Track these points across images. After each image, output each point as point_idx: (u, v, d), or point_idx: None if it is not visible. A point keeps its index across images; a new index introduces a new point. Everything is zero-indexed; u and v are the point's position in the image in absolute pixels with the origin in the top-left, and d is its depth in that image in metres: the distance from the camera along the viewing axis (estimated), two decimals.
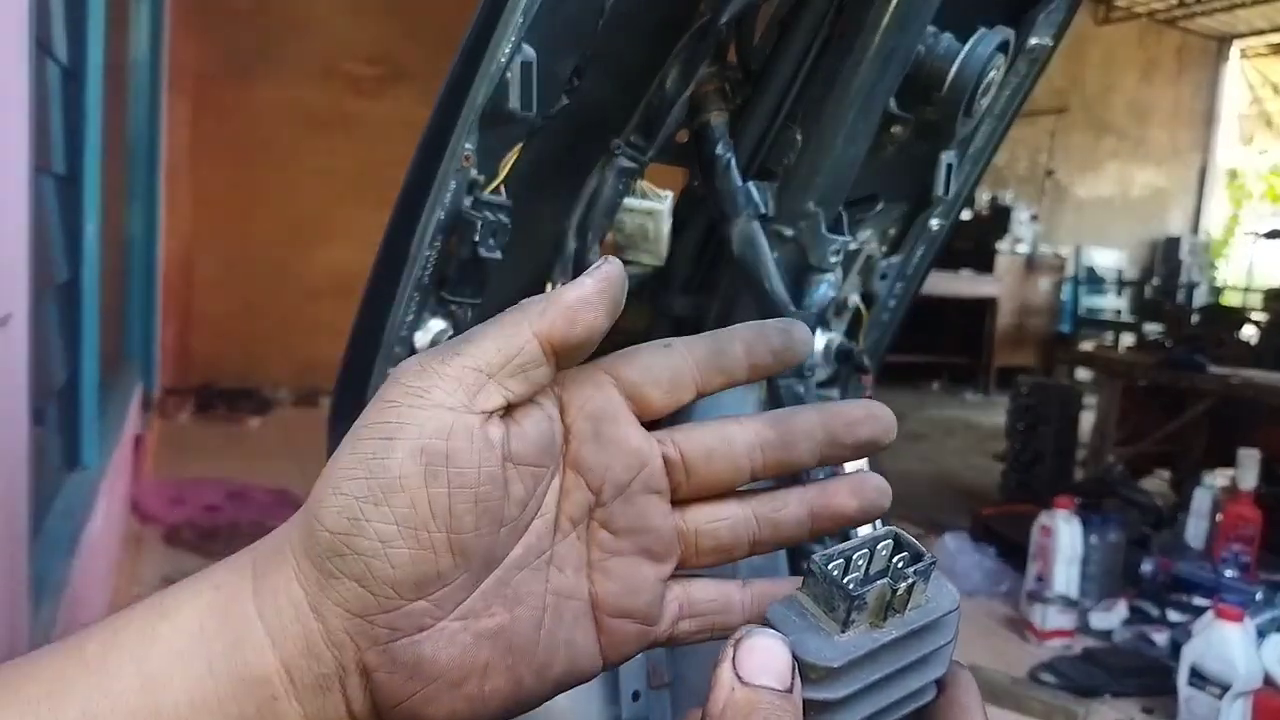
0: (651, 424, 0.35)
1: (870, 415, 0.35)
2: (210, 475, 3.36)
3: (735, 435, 0.35)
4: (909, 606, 0.30)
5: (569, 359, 0.32)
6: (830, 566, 0.29)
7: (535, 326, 0.31)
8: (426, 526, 0.29)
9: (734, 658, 0.28)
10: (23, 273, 1.21)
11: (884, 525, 0.32)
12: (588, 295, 0.31)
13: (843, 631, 0.29)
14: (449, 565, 0.30)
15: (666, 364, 0.34)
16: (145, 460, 3.22)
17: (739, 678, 0.27)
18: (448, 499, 0.29)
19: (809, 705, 0.28)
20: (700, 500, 0.35)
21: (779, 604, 0.30)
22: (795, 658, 0.28)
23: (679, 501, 0.35)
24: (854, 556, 0.30)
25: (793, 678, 0.27)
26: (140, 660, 0.29)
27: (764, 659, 0.27)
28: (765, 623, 0.29)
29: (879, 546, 0.31)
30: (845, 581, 0.29)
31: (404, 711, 0.30)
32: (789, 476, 0.36)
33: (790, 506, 0.35)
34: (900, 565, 0.30)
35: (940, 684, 0.32)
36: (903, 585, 0.29)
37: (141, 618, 0.30)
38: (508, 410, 0.31)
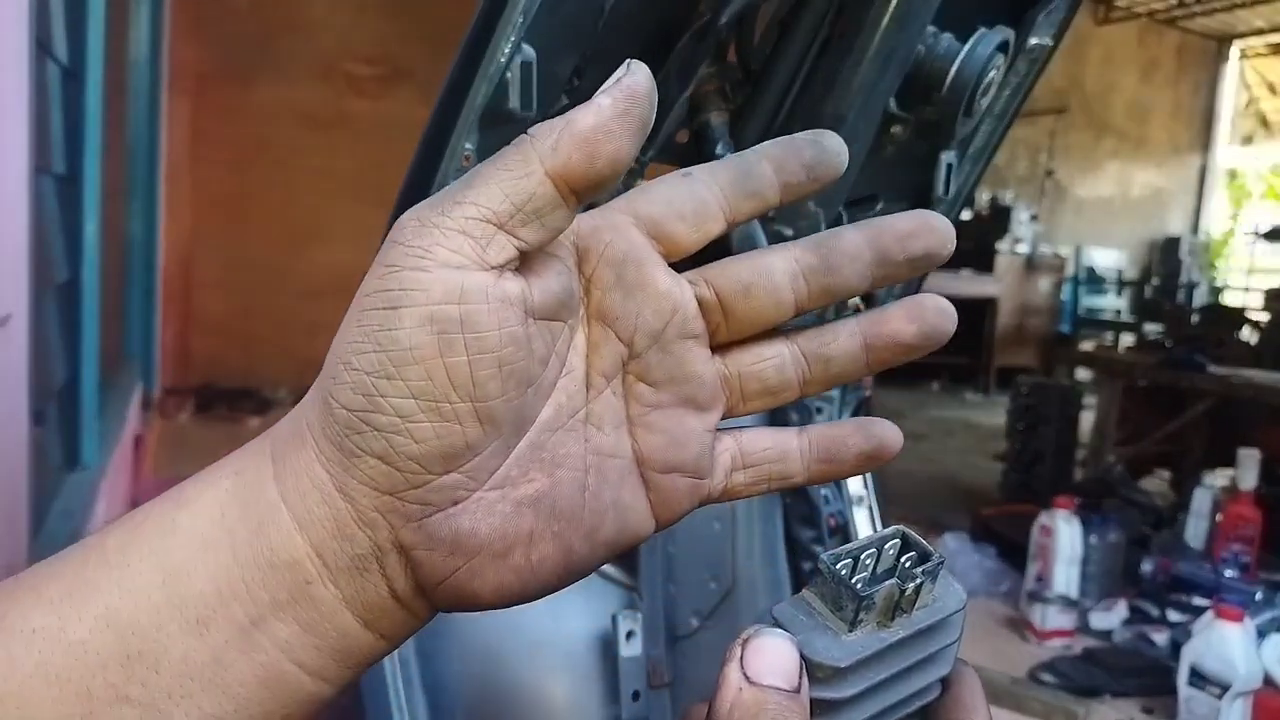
0: (680, 264, 0.32)
1: (924, 224, 0.31)
2: None
3: (774, 265, 0.31)
4: (917, 606, 0.30)
5: (590, 196, 0.28)
6: (838, 566, 0.29)
7: (548, 164, 0.27)
8: (447, 397, 0.27)
9: (741, 657, 0.27)
10: (23, 273, 1.21)
11: (892, 525, 0.32)
12: (606, 121, 0.27)
13: (850, 631, 0.29)
14: (477, 435, 0.28)
15: (689, 194, 0.31)
16: (145, 460, 3.22)
17: (746, 677, 0.27)
18: (468, 367, 0.27)
19: (816, 705, 0.28)
20: (742, 342, 0.33)
21: (786, 603, 0.30)
22: (803, 657, 0.28)
23: (719, 345, 0.32)
24: (862, 556, 0.30)
25: (800, 677, 0.27)
26: (160, 553, 0.28)
27: (771, 658, 0.27)
28: (773, 622, 0.29)
29: (886, 546, 0.30)
30: (853, 581, 0.29)
31: (449, 588, 0.29)
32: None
33: (841, 339, 0.32)
34: (908, 565, 0.30)
35: (945, 682, 0.32)
36: (911, 585, 0.29)
37: (159, 510, 0.29)
38: (521, 261, 0.28)
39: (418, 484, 0.28)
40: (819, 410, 0.76)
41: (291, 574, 0.28)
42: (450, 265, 0.27)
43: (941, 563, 0.30)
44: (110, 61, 2.17)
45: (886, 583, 0.29)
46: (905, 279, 0.32)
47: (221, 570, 0.28)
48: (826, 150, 0.31)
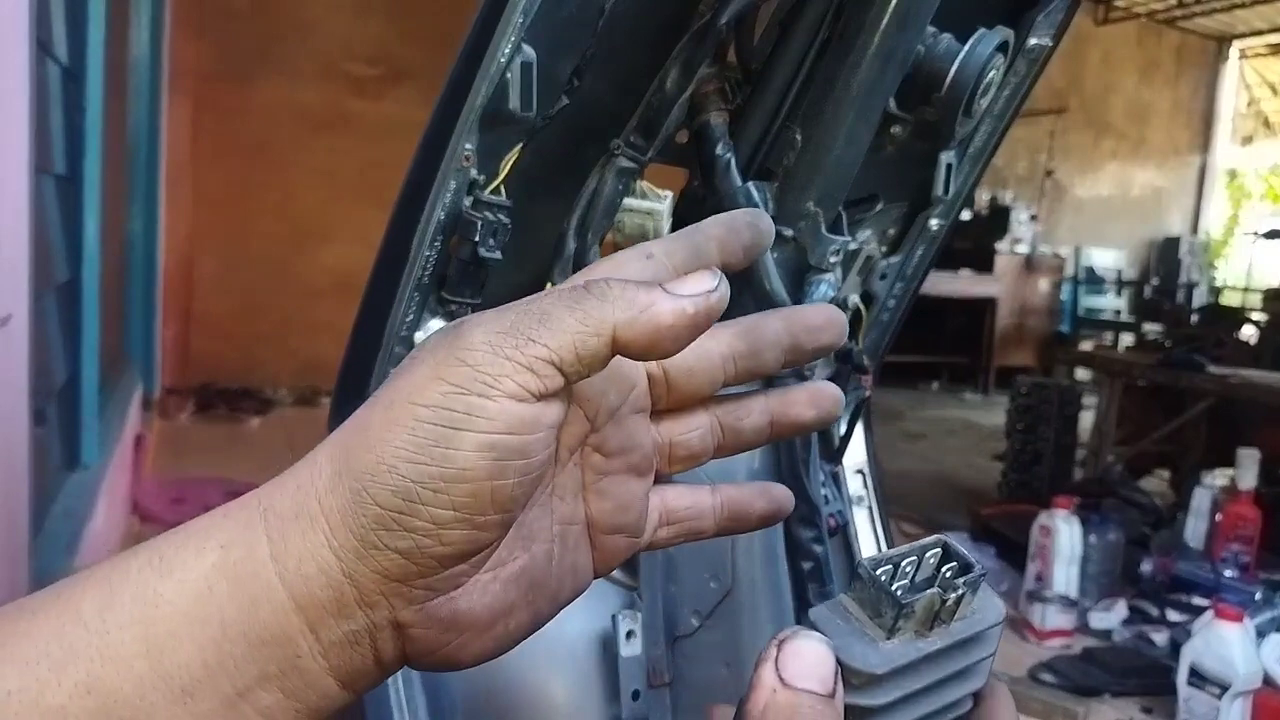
0: None
1: (829, 322, 0.37)
2: (210, 475, 3.36)
3: (713, 350, 0.36)
4: (955, 617, 0.30)
5: (630, 359, 0.31)
6: (879, 572, 0.29)
7: (620, 332, 0.29)
8: (485, 511, 0.29)
9: (777, 659, 0.27)
10: (23, 273, 1.21)
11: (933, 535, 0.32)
12: (685, 322, 0.30)
13: (888, 638, 0.28)
14: (496, 537, 0.30)
15: (652, 278, 0.33)
16: (146, 460, 3.22)
17: (781, 679, 0.27)
18: (511, 489, 0.29)
19: (850, 711, 0.28)
20: (673, 411, 0.37)
21: (824, 606, 0.30)
22: (839, 662, 0.27)
23: (654, 413, 0.36)
24: (902, 563, 0.30)
25: (835, 683, 0.27)
26: (144, 623, 0.28)
27: (808, 662, 0.27)
28: (809, 624, 0.29)
29: (927, 555, 0.30)
30: (894, 589, 0.29)
31: (435, 658, 0.31)
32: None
33: (754, 415, 0.37)
34: (950, 575, 0.30)
35: (977, 696, 0.31)
36: (952, 596, 0.29)
37: (139, 576, 0.29)
38: None
39: (428, 574, 0.29)
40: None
41: (282, 649, 0.29)
42: (516, 398, 0.29)
43: (984, 575, 0.30)
44: (111, 62, 2.17)
45: (928, 591, 0.29)
46: (806, 363, 0.39)
47: (210, 645, 0.28)
48: (763, 234, 0.36)
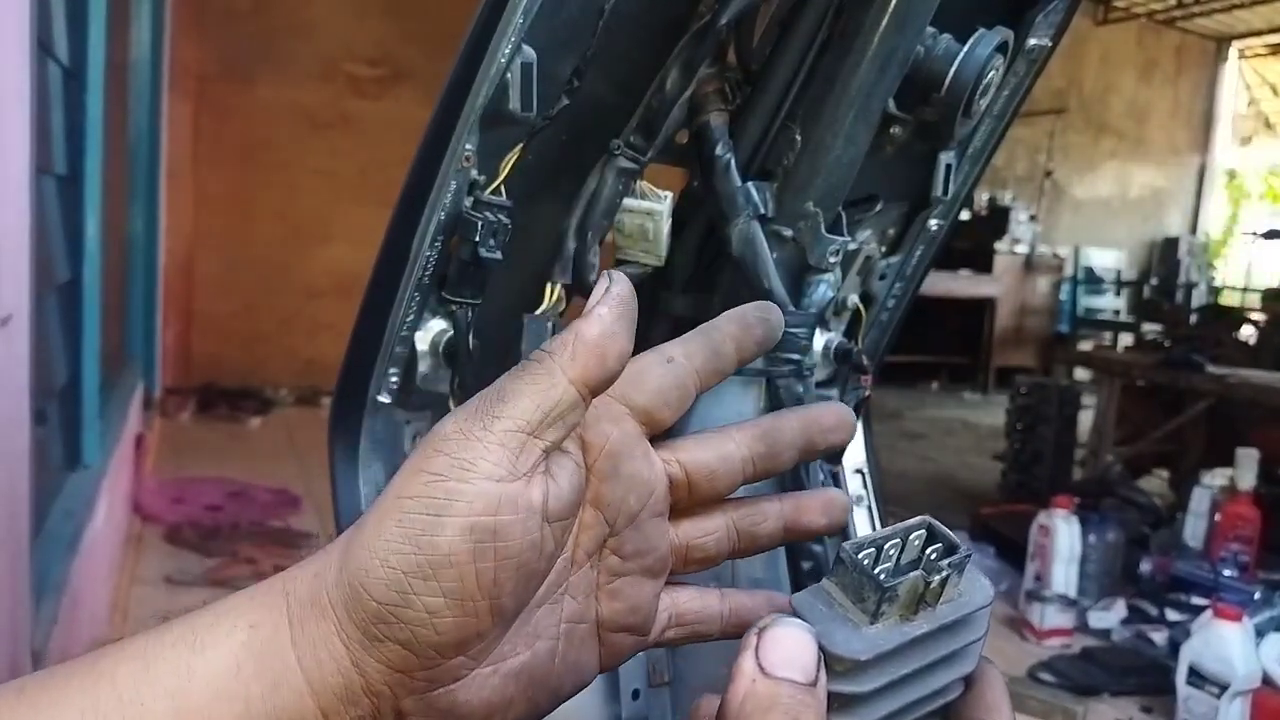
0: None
1: (841, 423, 0.39)
2: (211, 475, 3.36)
3: (732, 453, 0.37)
4: (941, 600, 0.29)
5: (602, 390, 0.33)
6: (861, 556, 0.28)
7: (570, 373, 0.31)
8: (472, 597, 0.30)
9: (757, 647, 0.27)
10: (24, 273, 1.21)
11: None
12: (610, 327, 0.32)
13: (872, 623, 0.28)
14: (488, 626, 0.31)
15: (675, 383, 0.35)
16: (146, 460, 3.22)
17: (761, 668, 0.27)
18: (493, 571, 0.30)
19: (833, 698, 0.27)
20: (692, 513, 0.37)
21: (806, 592, 0.29)
22: (821, 649, 0.27)
23: (673, 514, 0.37)
24: (885, 546, 0.29)
25: (817, 670, 0.27)
26: (175, 695, 0.29)
27: (788, 650, 0.27)
28: (791, 611, 0.28)
29: (911, 536, 0.30)
30: (876, 572, 0.28)
31: None
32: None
33: (769, 521, 0.38)
34: (934, 557, 0.29)
35: (967, 680, 0.31)
36: (936, 578, 0.28)
37: (173, 651, 0.30)
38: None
39: (429, 666, 0.30)
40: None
41: None
42: (491, 478, 0.30)
43: (969, 556, 0.29)
44: (111, 62, 2.17)
45: (911, 574, 0.28)
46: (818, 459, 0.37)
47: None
48: (773, 327, 0.38)
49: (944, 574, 0.28)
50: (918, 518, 0.30)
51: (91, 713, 0.29)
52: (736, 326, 0.37)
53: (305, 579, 0.32)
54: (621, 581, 0.35)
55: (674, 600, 0.38)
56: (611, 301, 0.32)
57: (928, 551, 0.30)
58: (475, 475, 0.30)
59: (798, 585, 0.75)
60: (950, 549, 0.29)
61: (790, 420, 0.38)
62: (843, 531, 0.74)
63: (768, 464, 0.37)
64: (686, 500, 0.37)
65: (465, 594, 0.29)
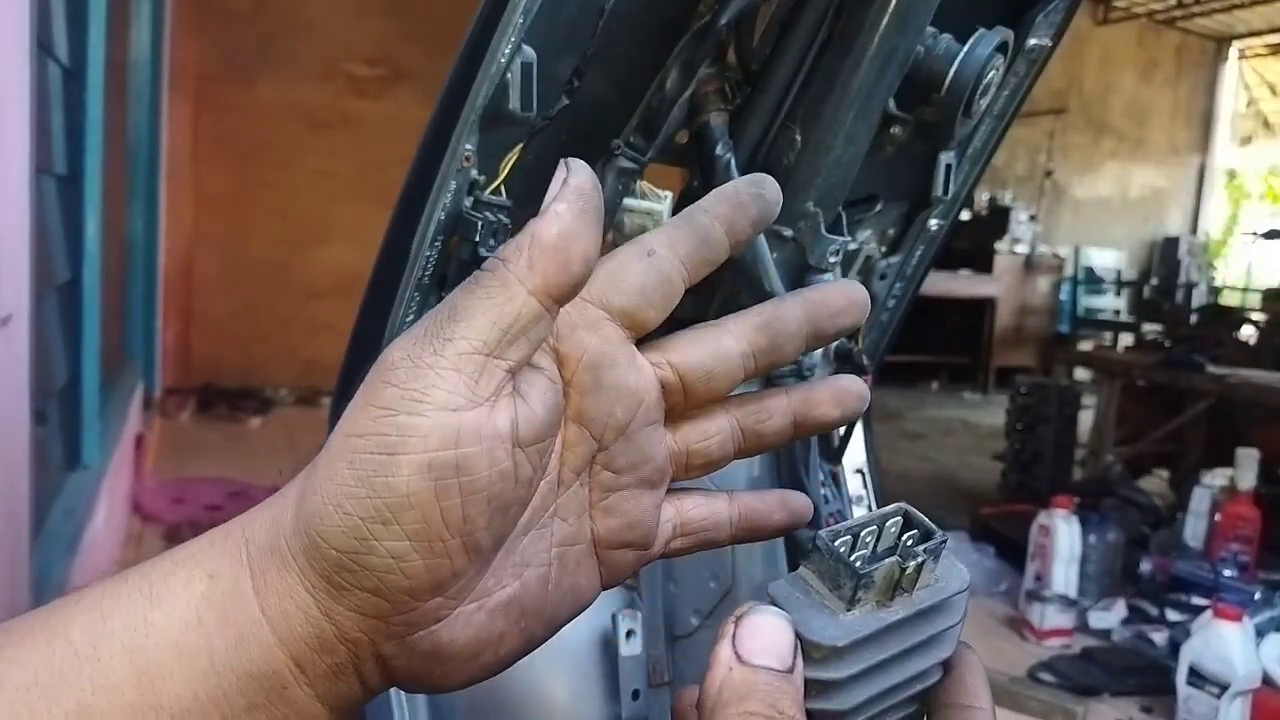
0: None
1: (851, 302, 0.35)
2: (211, 475, 3.36)
3: (730, 349, 0.34)
4: (918, 586, 0.29)
5: (569, 299, 0.29)
6: (837, 543, 0.28)
7: (529, 283, 0.28)
8: (440, 536, 0.28)
9: (734, 635, 0.27)
10: (24, 273, 1.21)
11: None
12: (571, 226, 0.28)
13: (848, 610, 0.28)
14: (464, 564, 0.29)
15: (658, 279, 0.32)
16: (146, 460, 3.22)
17: (738, 656, 0.26)
18: (461, 508, 0.28)
19: (810, 685, 0.27)
20: (691, 416, 0.35)
21: (783, 580, 0.29)
22: (798, 636, 0.27)
23: (670, 419, 0.34)
24: (862, 533, 0.29)
25: (794, 658, 0.27)
26: (134, 651, 0.28)
27: (765, 638, 0.26)
28: (769, 599, 0.28)
29: (888, 523, 0.30)
30: (852, 559, 0.28)
31: (421, 686, 0.30)
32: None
33: (775, 418, 0.35)
34: (910, 543, 0.29)
35: (946, 665, 0.31)
36: (912, 564, 0.28)
37: (129, 602, 0.29)
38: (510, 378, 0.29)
39: (404, 610, 0.28)
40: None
41: (270, 681, 0.29)
42: (447, 408, 0.27)
43: (944, 541, 0.29)
44: (111, 62, 2.17)
45: (886, 560, 0.28)
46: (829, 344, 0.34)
47: (199, 676, 0.28)
48: (769, 203, 0.33)
49: (920, 560, 0.28)
50: (894, 505, 0.30)
51: (47, 670, 0.27)
52: (727, 206, 0.33)
53: (264, 524, 0.29)
54: (616, 496, 0.33)
55: (678, 508, 0.35)
56: (570, 195, 0.28)
57: (904, 538, 0.30)
58: (429, 406, 0.27)
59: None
60: (927, 535, 0.29)
61: (793, 306, 0.35)
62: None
63: (770, 357, 0.34)
64: (682, 405, 0.34)
65: (432, 535, 0.27)
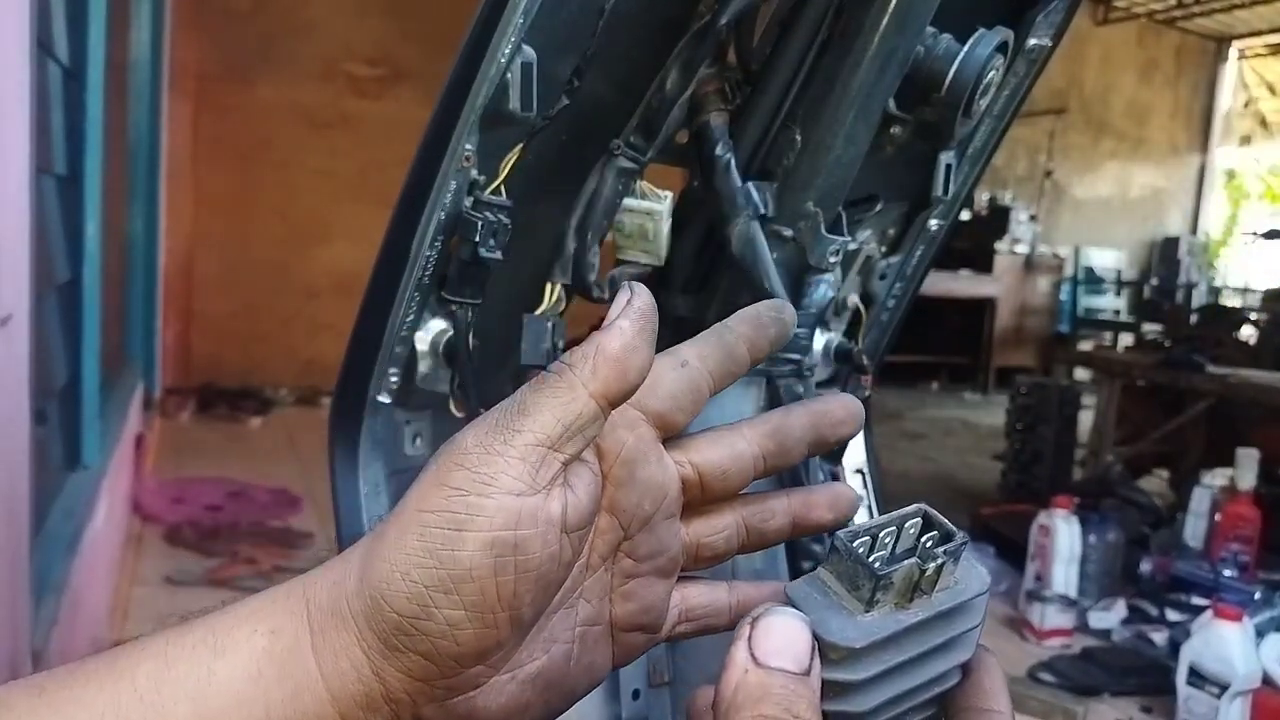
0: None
1: (850, 415, 0.39)
2: (211, 475, 3.36)
3: (744, 451, 0.37)
4: (937, 588, 0.29)
5: (620, 404, 0.33)
6: (856, 544, 0.28)
7: (591, 387, 0.31)
8: (493, 609, 0.30)
9: (750, 636, 0.27)
10: (24, 273, 1.21)
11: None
12: (632, 341, 0.32)
13: (867, 611, 0.28)
14: (508, 636, 0.31)
15: (689, 387, 0.35)
16: (146, 460, 3.22)
17: (754, 658, 0.26)
18: (514, 584, 0.30)
19: (828, 686, 0.27)
20: (703, 512, 0.37)
21: (801, 581, 0.29)
22: (815, 637, 0.27)
23: (685, 513, 0.37)
24: (880, 534, 0.29)
25: (811, 659, 0.27)
26: (197, 699, 0.30)
27: (782, 639, 0.27)
28: (786, 600, 0.28)
29: (907, 524, 0.29)
30: (871, 560, 0.28)
31: None
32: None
33: (777, 518, 0.38)
34: (929, 545, 0.29)
35: (965, 668, 0.30)
36: (931, 566, 0.28)
37: (193, 653, 0.31)
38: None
39: (449, 675, 0.31)
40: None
41: None
42: (512, 492, 0.30)
43: (965, 543, 0.29)
44: (111, 62, 2.17)
45: (906, 562, 0.28)
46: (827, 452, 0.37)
47: None
48: (786, 325, 0.38)
49: (939, 562, 0.28)
50: (914, 505, 0.30)
51: (113, 713, 0.29)
52: (749, 327, 0.37)
53: (325, 586, 0.32)
54: (635, 583, 0.36)
55: (684, 596, 0.38)
56: (633, 314, 0.32)
57: (923, 539, 0.29)
58: (496, 490, 0.30)
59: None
60: (946, 536, 0.29)
61: (799, 416, 0.38)
62: None
63: (778, 460, 0.37)
64: (699, 500, 0.37)
65: (486, 607, 0.30)
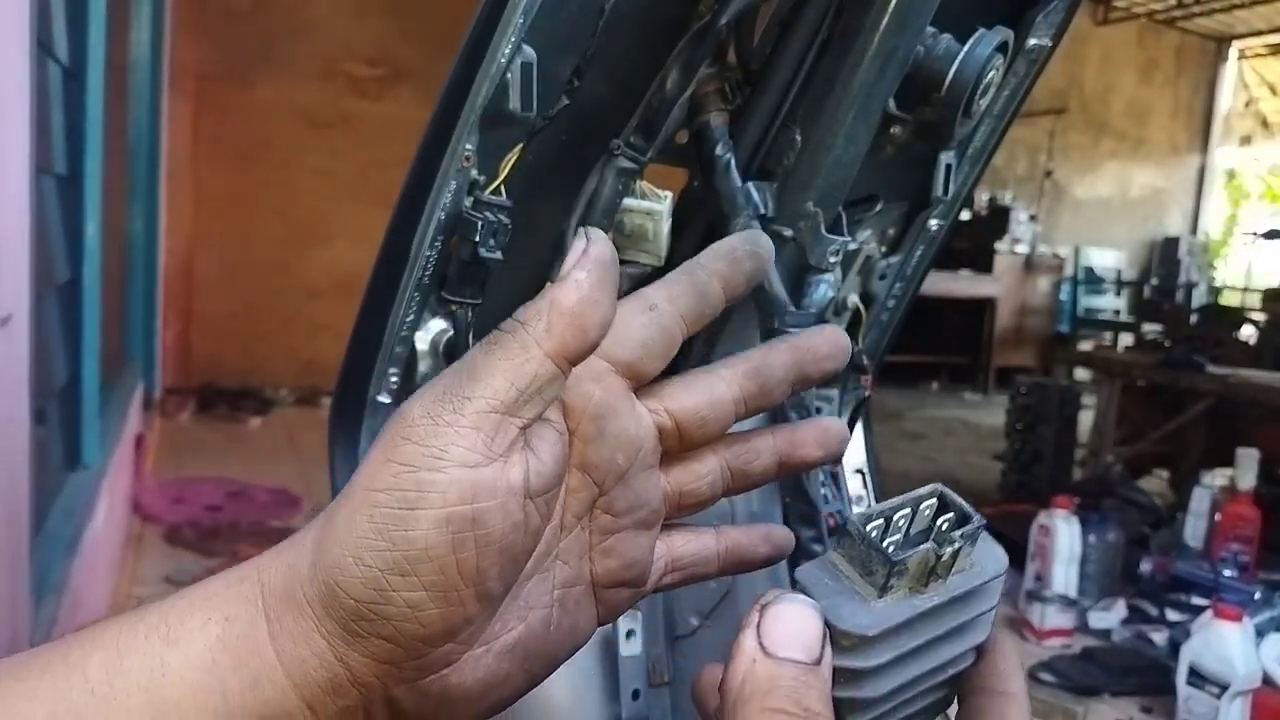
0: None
1: (835, 349, 0.37)
2: (211, 475, 3.36)
3: (723, 395, 0.35)
4: (953, 571, 0.28)
5: (580, 361, 0.31)
6: (869, 527, 0.27)
7: (546, 346, 0.29)
8: (455, 587, 0.28)
9: (758, 624, 0.26)
10: (24, 273, 1.21)
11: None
12: (589, 294, 0.30)
13: (880, 596, 0.27)
14: (475, 612, 0.29)
15: (659, 333, 0.33)
16: (146, 460, 3.22)
17: (762, 647, 0.26)
18: (475, 559, 0.28)
19: (839, 673, 0.26)
20: (683, 458, 0.36)
21: (811, 565, 0.28)
22: (827, 624, 0.26)
23: (664, 461, 0.35)
24: (895, 517, 0.28)
25: (822, 649, 0.26)
26: (150, 691, 0.28)
27: (791, 628, 0.26)
28: (795, 585, 0.27)
29: (922, 506, 0.28)
30: (885, 544, 0.27)
31: None
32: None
33: (762, 458, 0.36)
34: (945, 528, 0.28)
35: (979, 649, 0.30)
36: (948, 550, 0.27)
37: (146, 642, 0.29)
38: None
39: (417, 656, 0.29)
40: (818, 410, 0.76)
41: None
42: (465, 464, 0.28)
43: (982, 526, 0.28)
44: (111, 62, 2.17)
45: (921, 547, 0.27)
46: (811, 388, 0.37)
47: (212, 716, 0.29)
48: (763, 258, 0.36)
49: (956, 546, 0.27)
50: (929, 486, 0.29)
51: (64, 706, 0.28)
52: (724, 262, 0.35)
53: (279, 570, 0.30)
54: (615, 539, 0.34)
55: (669, 545, 0.36)
56: (590, 264, 0.30)
57: (939, 522, 0.28)
58: (448, 463, 0.28)
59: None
60: (963, 519, 0.28)
61: (780, 353, 0.36)
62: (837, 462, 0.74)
63: (759, 402, 0.35)
64: (677, 448, 0.35)
65: (447, 585, 0.28)
